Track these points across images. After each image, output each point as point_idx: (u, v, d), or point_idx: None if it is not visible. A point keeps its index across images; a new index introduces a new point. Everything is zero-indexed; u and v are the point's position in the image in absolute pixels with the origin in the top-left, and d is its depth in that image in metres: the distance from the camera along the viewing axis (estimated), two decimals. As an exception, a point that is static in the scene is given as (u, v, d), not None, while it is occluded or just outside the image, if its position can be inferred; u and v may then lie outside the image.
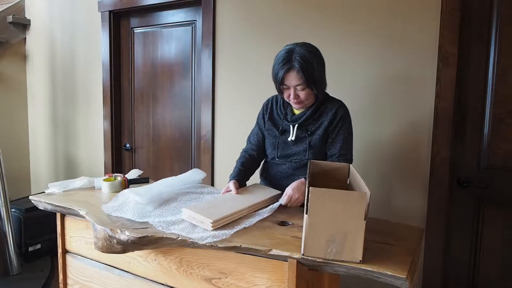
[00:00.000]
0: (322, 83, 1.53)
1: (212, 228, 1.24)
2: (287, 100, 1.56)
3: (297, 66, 1.43)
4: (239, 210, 1.36)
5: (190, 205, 1.41)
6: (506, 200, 1.78)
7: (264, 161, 1.75)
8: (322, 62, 1.52)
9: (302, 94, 1.50)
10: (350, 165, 1.43)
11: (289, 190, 1.44)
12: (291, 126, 1.59)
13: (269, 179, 1.69)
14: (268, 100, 1.73)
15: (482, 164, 1.82)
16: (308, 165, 1.38)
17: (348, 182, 1.44)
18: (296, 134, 1.58)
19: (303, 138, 1.57)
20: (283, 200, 1.44)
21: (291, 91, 1.50)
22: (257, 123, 1.75)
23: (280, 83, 1.50)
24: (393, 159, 1.96)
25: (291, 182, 1.50)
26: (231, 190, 1.53)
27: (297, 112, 1.61)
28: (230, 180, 1.60)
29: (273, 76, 1.52)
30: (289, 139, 1.59)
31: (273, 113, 1.67)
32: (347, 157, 1.56)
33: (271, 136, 1.65)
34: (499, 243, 1.80)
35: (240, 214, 1.36)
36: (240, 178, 1.62)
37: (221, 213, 1.30)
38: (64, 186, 1.77)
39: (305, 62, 1.43)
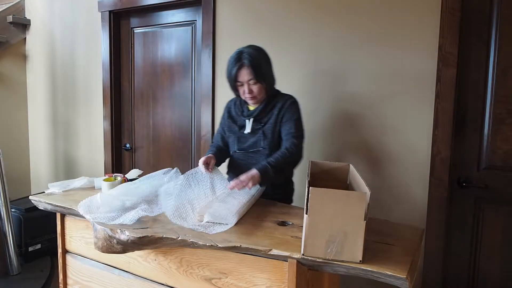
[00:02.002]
0: (271, 78, 1.72)
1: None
2: (243, 97, 1.73)
3: (246, 63, 1.63)
4: (246, 202, 1.46)
5: (204, 210, 1.39)
6: (506, 200, 1.78)
7: (230, 157, 1.86)
8: (268, 60, 1.72)
9: (254, 88, 1.67)
10: (350, 165, 1.43)
11: (243, 177, 1.50)
12: (247, 120, 1.75)
13: (233, 171, 1.79)
14: (228, 102, 1.90)
15: (482, 164, 1.82)
16: (308, 165, 1.39)
17: (348, 182, 1.44)
18: (252, 127, 1.74)
19: (258, 130, 1.73)
20: (231, 185, 1.50)
21: (245, 87, 1.67)
22: (220, 124, 1.92)
23: (234, 81, 1.68)
24: (393, 159, 1.96)
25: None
26: (208, 161, 1.64)
27: (252, 108, 1.76)
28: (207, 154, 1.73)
29: (227, 75, 1.70)
30: (245, 132, 1.75)
31: (232, 113, 1.84)
32: (299, 134, 1.68)
33: (232, 133, 1.81)
34: (499, 243, 1.81)
35: (249, 204, 1.50)
36: (217, 154, 1.75)
37: (236, 209, 1.38)
38: (64, 186, 1.77)
39: (253, 58, 1.63)
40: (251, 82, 1.65)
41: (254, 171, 1.52)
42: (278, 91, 1.79)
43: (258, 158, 1.71)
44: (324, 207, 1.03)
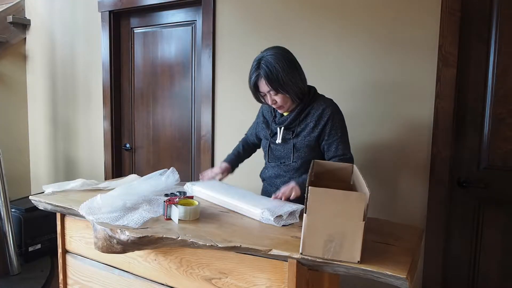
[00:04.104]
0: (294, 85, 1.48)
1: None
2: (271, 106, 1.58)
3: (262, 74, 1.46)
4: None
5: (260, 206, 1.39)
6: (506, 200, 1.78)
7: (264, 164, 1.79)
8: (289, 65, 1.47)
9: (278, 99, 1.51)
10: (354, 165, 1.43)
11: (283, 188, 1.48)
12: (278, 128, 1.60)
13: (265, 179, 1.74)
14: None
15: (482, 164, 1.82)
16: (311, 164, 1.38)
17: (352, 183, 1.44)
18: (282, 136, 1.58)
19: (289, 140, 1.58)
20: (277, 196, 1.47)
21: (268, 98, 1.52)
22: (255, 120, 1.81)
23: (255, 91, 1.53)
24: (393, 159, 1.96)
25: (283, 182, 1.56)
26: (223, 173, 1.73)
27: (285, 114, 1.61)
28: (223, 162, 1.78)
29: (249, 85, 1.54)
30: (276, 141, 1.60)
31: (266, 116, 1.70)
32: (347, 157, 1.52)
33: (264, 138, 1.69)
34: (499, 243, 1.80)
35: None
36: (232, 164, 1.79)
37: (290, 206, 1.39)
38: (58, 188, 1.76)
39: (269, 68, 1.44)
40: (272, 93, 1.49)
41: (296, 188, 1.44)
42: (315, 94, 1.59)
43: (289, 171, 1.59)
44: (323, 207, 1.03)
